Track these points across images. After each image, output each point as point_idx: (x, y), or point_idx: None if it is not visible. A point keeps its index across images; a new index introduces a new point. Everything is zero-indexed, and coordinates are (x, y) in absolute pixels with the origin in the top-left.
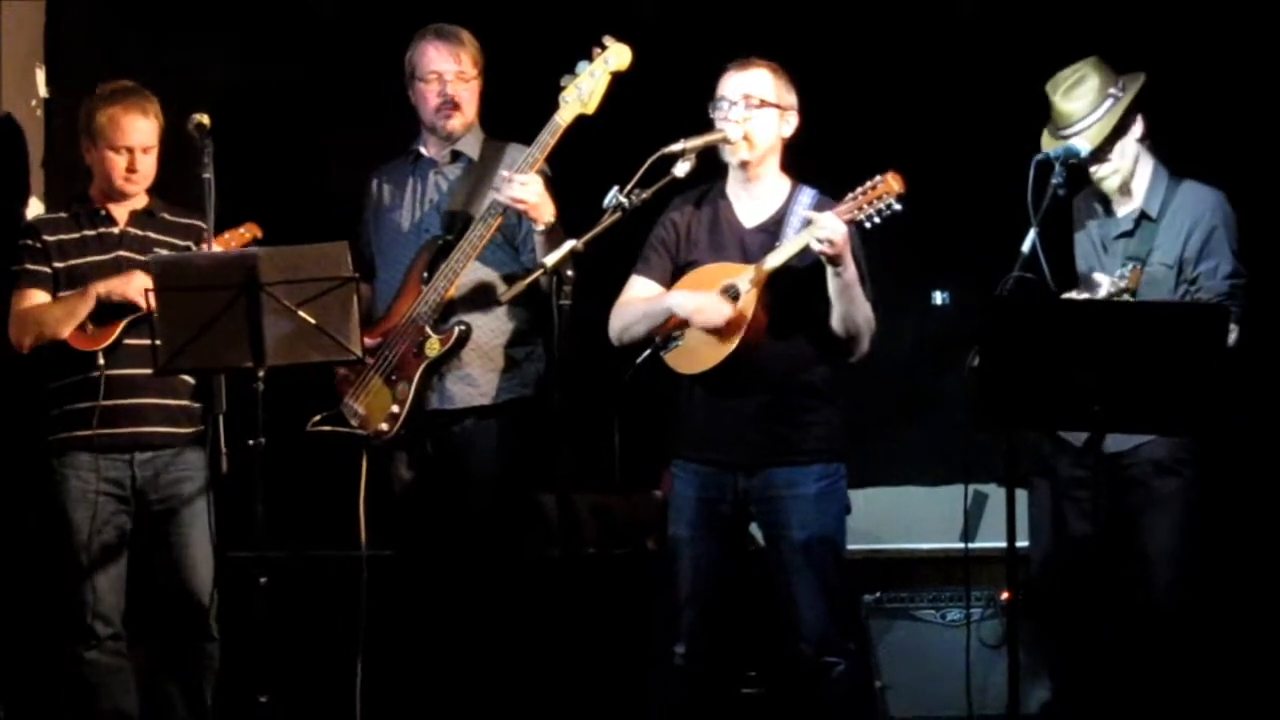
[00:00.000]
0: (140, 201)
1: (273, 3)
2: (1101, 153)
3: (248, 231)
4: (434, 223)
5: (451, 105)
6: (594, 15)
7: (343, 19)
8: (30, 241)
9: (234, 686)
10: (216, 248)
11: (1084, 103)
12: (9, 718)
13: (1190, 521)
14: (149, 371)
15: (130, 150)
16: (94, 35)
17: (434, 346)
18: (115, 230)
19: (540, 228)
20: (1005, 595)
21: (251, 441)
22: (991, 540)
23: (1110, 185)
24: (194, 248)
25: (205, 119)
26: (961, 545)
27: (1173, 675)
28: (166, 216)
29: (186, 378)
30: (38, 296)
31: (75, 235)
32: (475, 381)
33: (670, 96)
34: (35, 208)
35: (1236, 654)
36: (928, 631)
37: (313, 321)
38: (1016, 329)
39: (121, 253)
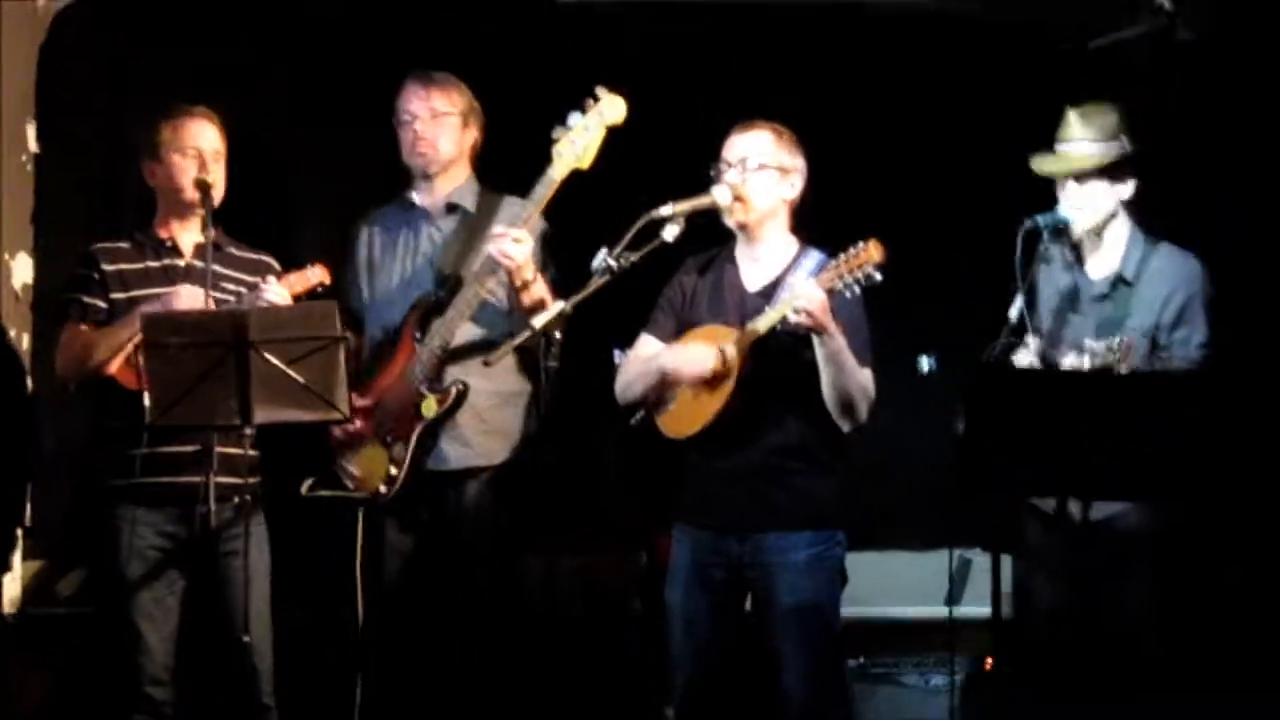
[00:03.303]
0: (210, 235)
1: (265, 65)
2: (1080, 181)
3: (313, 275)
4: (426, 278)
5: (422, 142)
6: (586, 64)
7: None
8: (86, 271)
9: None
10: (280, 286)
11: (1096, 127)
12: None
13: (1167, 582)
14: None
15: (200, 153)
16: (86, 90)
17: (431, 407)
18: (181, 262)
19: (517, 285)
20: (989, 662)
21: (237, 499)
22: (976, 606)
23: (1076, 229)
24: (261, 284)
25: (207, 178)
26: (946, 611)
27: None
28: (233, 251)
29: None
30: (88, 331)
31: (138, 265)
32: (469, 442)
33: (665, 150)
34: (24, 263)
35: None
36: (912, 697)
37: (301, 380)
38: (1002, 396)
39: (188, 286)
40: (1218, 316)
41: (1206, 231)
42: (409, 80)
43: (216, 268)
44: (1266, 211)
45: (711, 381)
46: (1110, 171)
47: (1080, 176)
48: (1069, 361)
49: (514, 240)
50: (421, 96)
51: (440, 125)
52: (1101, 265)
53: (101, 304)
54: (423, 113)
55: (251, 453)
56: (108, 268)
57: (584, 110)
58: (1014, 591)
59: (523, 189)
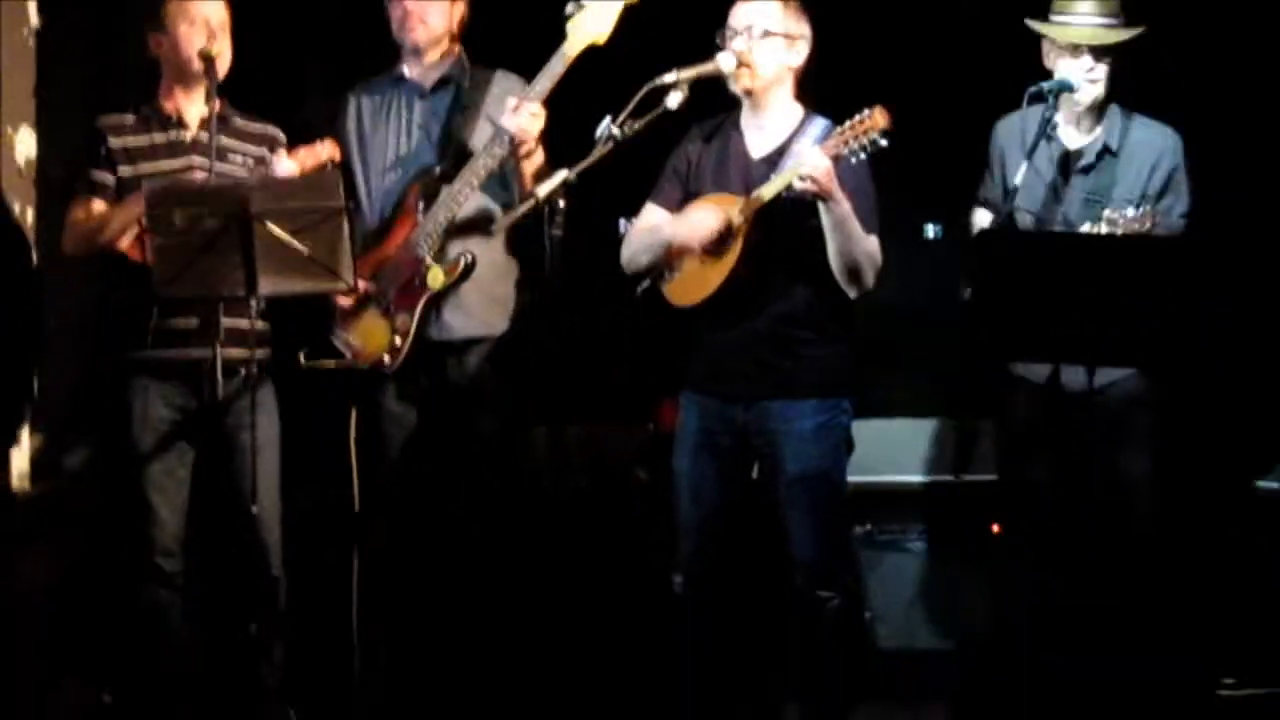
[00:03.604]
0: (215, 106)
1: None
2: (1098, 57)
3: (323, 151)
4: (426, 151)
5: (412, 17)
6: None
7: None
8: (93, 145)
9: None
10: (290, 161)
11: (1109, 5)
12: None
13: (1165, 454)
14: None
15: (207, 23)
16: None
17: (438, 277)
18: (187, 136)
19: (526, 161)
20: (995, 528)
21: (243, 371)
22: (982, 473)
23: (1086, 100)
24: (268, 155)
25: (212, 49)
26: (953, 478)
27: (1151, 598)
28: (239, 122)
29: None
30: (97, 206)
31: (144, 141)
32: (472, 312)
33: (671, 21)
34: (26, 137)
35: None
36: (918, 564)
37: (305, 250)
38: (1008, 262)
39: (195, 158)
40: (1195, 186)
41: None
42: None
43: (222, 139)
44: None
45: (717, 247)
46: (1120, 47)
47: (1099, 52)
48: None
49: (530, 114)
50: None
51: (429, 1)
52: (1084, 137)
53: (110, 178)
54: None
55: (260, 325)
56: (114, 142)
57: None
58: (1000, 463)
59: (521, 64)
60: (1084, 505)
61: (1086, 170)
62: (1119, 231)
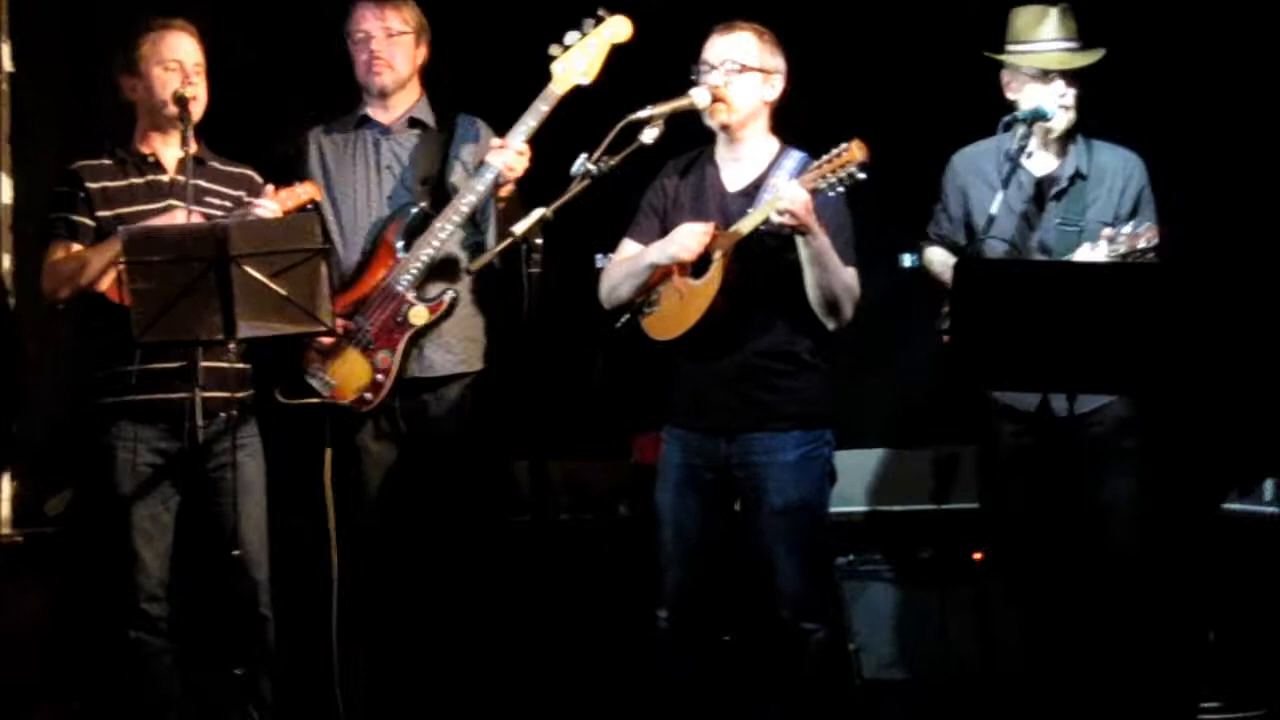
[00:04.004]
0: (191, 149)
1: None
2: (1070, 81)
3: (303, 192)
4: (399, 192)
5: (379, 61)
6: None
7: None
8: (70, 189)
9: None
10: (271, 202)
11: (1071, 29)
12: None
13: (1148, 477)
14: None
15: (180, 65)
16: (61, 9)
17: (421, 315)
18: (165, 178)
19: (504, 195)
20: (977, 555)
21: (224, 414)
22: (963, 501)
23: (1059, 127)
24: (246, 197)
25: (187, 92)
26: (934, 506)
27: (1137, 626)
28: (216, 165)
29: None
30: (75, 248)
31: (122, 182)
32: (453, 349)
33: (648, 58)
34: (2, 183)
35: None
36: (900, 593)
37: (283, 293)
38: (986, 291)
39: (172, 202)
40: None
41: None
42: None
43: (200, 182)
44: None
45: (698, 272)
46: (1084, 73)
47: (1070, 76)
48: (1082, 254)
49: (516, 152)
50: (377, 15)
51: (396, 44)
52: (1053, 163)
53: (89, 221)
54: (378, 32)
55: (241, 366)
56: (91, 185)
57: (582, 29)
58: (982, 491)
59: (495, 107)
60: (1069, 531)
61: (1059, 196)
62: (1121, 249)
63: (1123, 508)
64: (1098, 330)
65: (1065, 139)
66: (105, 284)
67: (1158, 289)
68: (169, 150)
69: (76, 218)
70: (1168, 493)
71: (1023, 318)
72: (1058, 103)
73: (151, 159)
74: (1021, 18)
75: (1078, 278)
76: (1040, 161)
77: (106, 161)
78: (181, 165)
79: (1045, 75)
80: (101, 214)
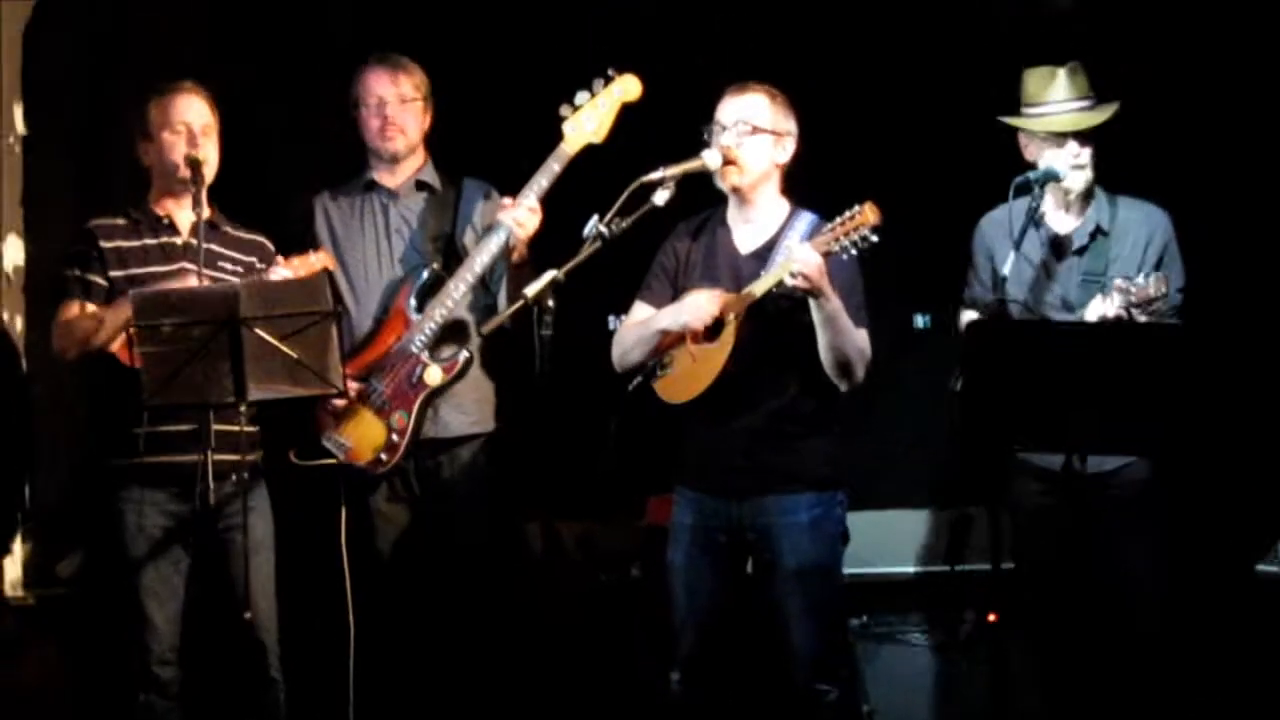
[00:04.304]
0: (204, 212)
1: (243, 39)
2: (1083, 142)
3: (316, 260)
4: (411, 255)
5: (392, 126)
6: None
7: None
8: (84, 248)
9: None
10: (284, 269)
11: (1081, 88)
12: None
13: (1168, 540)
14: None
15: (188, 128)
16: (73, 71)
17: (436, 376)
18: (178, 241)
19: (515, 259)
20: (991, 617)
21: (234, 477)
22: (978, 563)
23: (1078, 187)
24: (258, 264)
25: (197, 154)
26: (947, 568)
27: (1155, 691)
28: (229, 230)
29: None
30: (88, 308)
31: (136, 243)
32: (467, 409)
33: (656, 118)
34: (14, 246)
35: (1215, 667)
36: (915, 654)
37: (294, 355)
38: (998, 352)
39: (185, 264)
40: (1187, 262)
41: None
42: (374, 64)
43: (214, 247)
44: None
45: (711, 336)
46: (1098, 131)
47: (1083, 136)
48: (1095, 307)
49: (529, 211)
50: (390, 81)
51: (408, 110)
52: (1074, 220)
53: (101, 281)
54: (391, 98)
55: (250, 429)
56: (105, 245)
57: (592, 88)
58: (1013, 549)
59: (506, 170)
60: (1090, 593)
61: (1080, 252)
62: (1133, 299)
63: (1142, 570)
64: (1106, 390)
65: (1086, 196)
66: (116, 345)
67: (1164, 349)
68: (183, 213)
69: (90, 276)
70: (1197, 555)
71: (1031, 378)
72: (1071, 164)
73: (166, 221)
74: (1031, 81)
75: (1085, 337)
76: (1061, 219)
77: (121, 221)
78: (195, 228)
79: (1059, 138)
80: (114, 274)
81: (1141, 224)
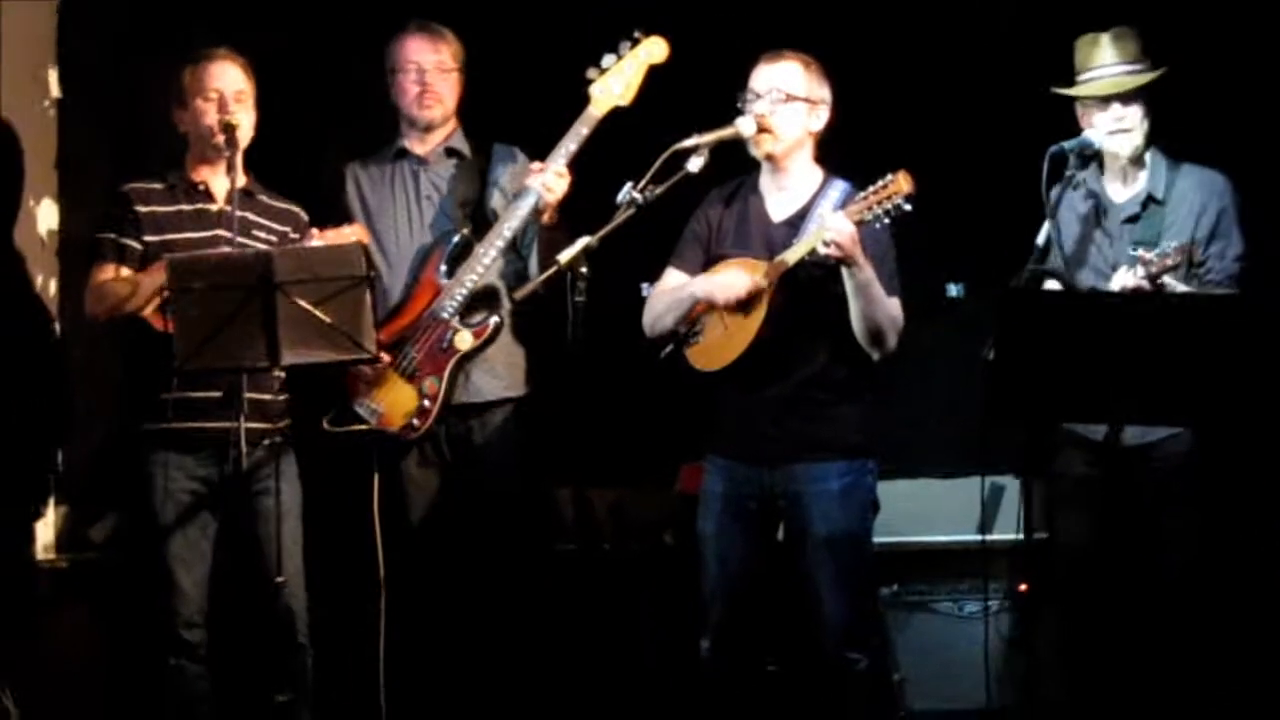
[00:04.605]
0: (239, 179)
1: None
2: (1127, 103)
3: (350, 233)
4: (440, 220)
5: (431, 94)
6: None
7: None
8: (120, 210)
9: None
10: (319, 240)
11: (1129, 52)
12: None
13: (1207, 518)
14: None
15: (220, 95)
16: (108, 35)
17: (466, 340)
18: (213, 208)
19: (547, 220)
20: (1022, 587)
21: (266, 441)
22: (1008, 532)
23: (1123, 152)
24: (292, 234)
25: (230, 119)
26: (979, 537)
27: (1186, 666)
28: (265, 199)
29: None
30: (122, 271)
31: (171, 208)
32: (499, 374)
33: (690, 86)
34: (48, 208)
35: (1248, 646)
36: (945, 624)
37: (328, 320)
38: (1032, 321)
39: (220, 231)
40: (1249, 229)
41: (1223, 154)
42: (413, 31)
43: (249, 215)
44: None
45: (743, 307)
46: (1149, 92)
47: (1126, 99)
48: (1120, 277)
49: (556, 175)
50: (430, 49)
51: (446, 80)
52: (1128, 188)
53: (136, 245)
54: (431, 66)
55: (281, 396)
56: (141, 209)
57: (618, 52)
58: (1046, 519)
59: (534, 134)
60: (1127, 563)
61: (1133, 220)
62: (1153, 270)
63: (1181, 543)
64: (1138, 360)
65: (1137, 162)
66: (148, 310)
67: (1194, 319)
68: (218, 180)
69: (124, 240)
70: (1238, 528)
71: (1064, 348)
72: (1115, 127)
73: (201, 187)
74: (1080, 49)
75: (1117, 309)
76: (1118, 189)
77: (158, 186)
78: (230, 195)
79: (1103, 102)
80: (149, 238)
81: (1197, 191)
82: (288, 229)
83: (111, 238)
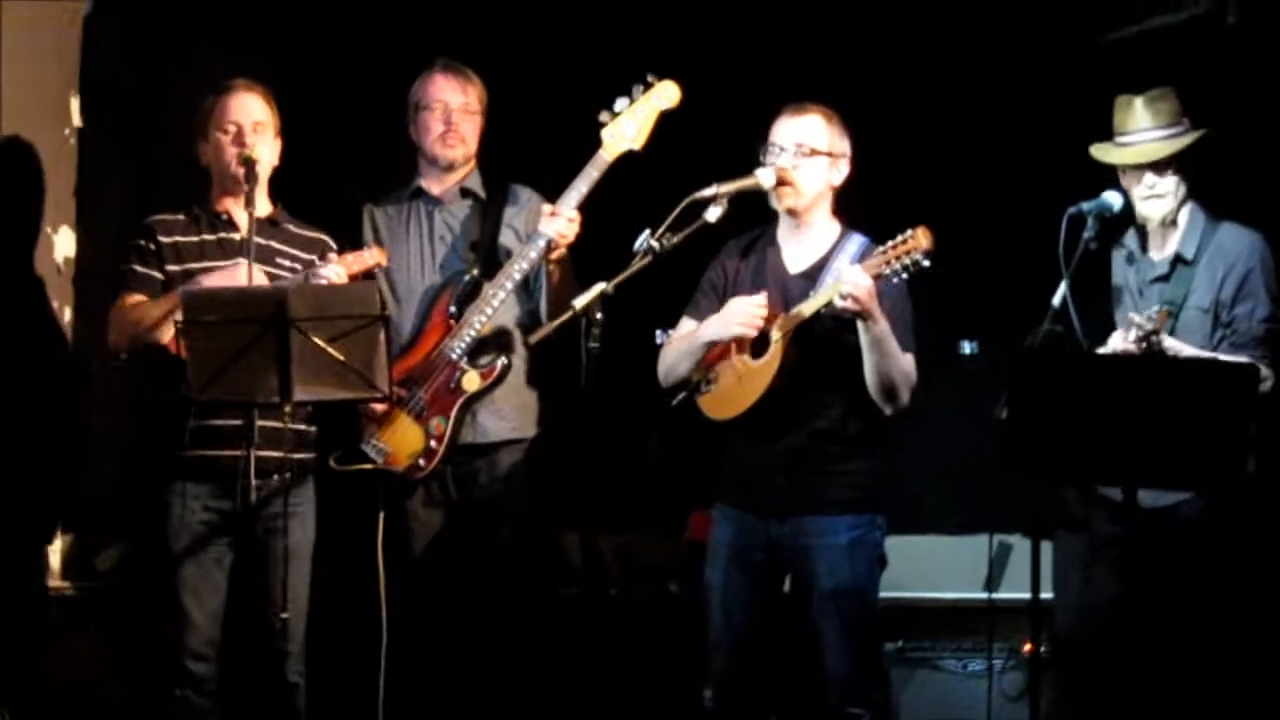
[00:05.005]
0: (263, 209)
1: (301, 33)
2: (1159, 171)
3: (370, 256)
4: (453, 260)
5: (455, 134)
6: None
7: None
8: (143, 242)
9: None
10: (337, 265)
11: (1163, 115)
12: None
13: (1225, 582)
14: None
15: (239, 127)
16: (129, 65)
17: (474, 381)
18: (237, 237)
19: (553, 262)
20: (1027, 647)
21: (276, 477)
22: (1015, 591)
23: (1155, 217)
24: (318, 262)
25: (251, 153)
26: (985, 595)
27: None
28: (291, 228)
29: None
30: (142, 299)
31: (194, 239)
32: (507, 415)
33: (708, 131)
34: (65, 236)
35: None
36: (949, 682)
37: (341, 358)
38: (1045, 381)
39: (243, 260)
40: None
41: (1267, 214)
42: (441, 70)
43: (274, 243)
44: None
45: (756, 351)
46: (1184, 158)
47: (1158, 166)
48: (1113, 340)
49: (568, 219)
50: (458, 90)
51: (472, 121)
52: (1164, 248)
53: (157, 275)
54: (457, 106)
55: (302, 427)
56: (164, 240)
57: (631, 95)
58: (1059, 578)
59: (546, 176)
60: (1140, 625)
61: (1163, 279)
62: (1141, 333)
63: (1191, 605)
64: (1146, 423)
65: (1171, 224)
66: (166, 337)
67: (1200, 383)
68: (241, 210)
69: (145, 270)
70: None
71: (1074, 408)
72: (1145, 195)
73: (225, 217)
74: (1118, 111)
75: (1130, 371)
76: (1153, 248)
77: (181, 217)
78: (256, 226)
79: (1137, 169)
80: (171, 268)
81: (1228, 251)
82: (314, 256)
83: (134, 269)
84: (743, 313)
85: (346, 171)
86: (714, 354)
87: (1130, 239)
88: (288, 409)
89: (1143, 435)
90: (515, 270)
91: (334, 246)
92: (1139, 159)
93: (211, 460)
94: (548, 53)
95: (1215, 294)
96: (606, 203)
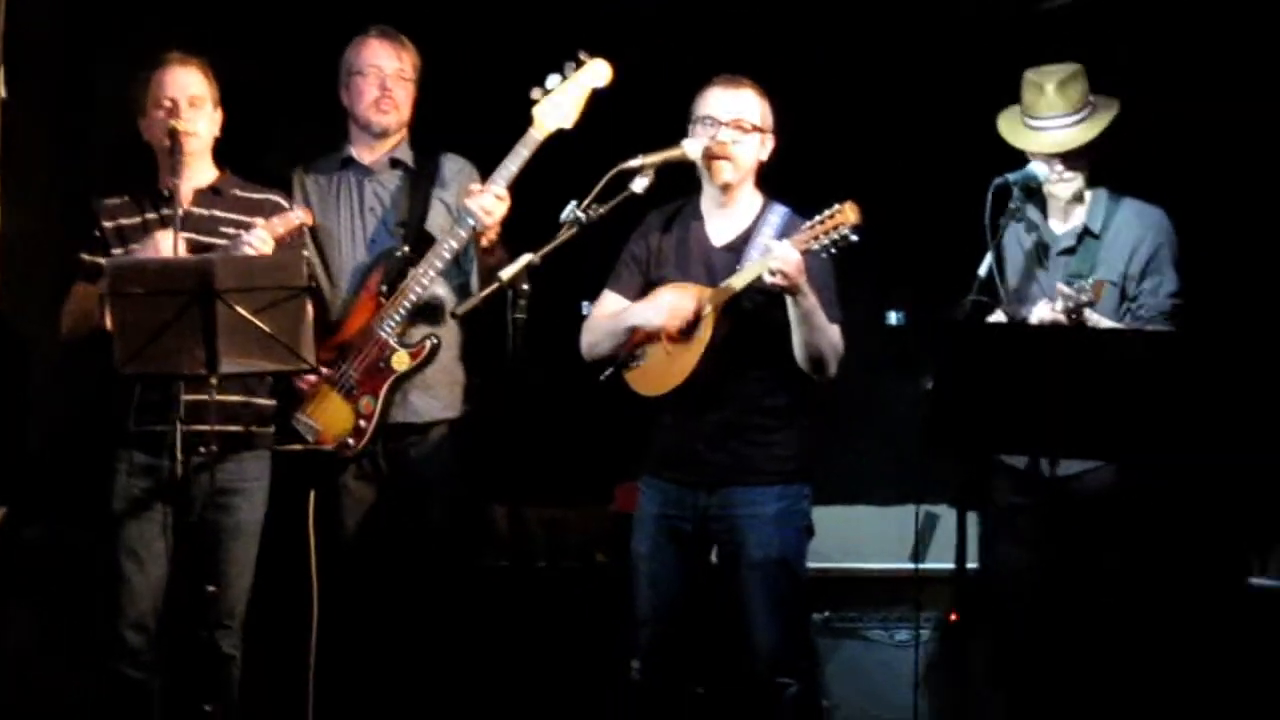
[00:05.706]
0: (206, 178)
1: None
2: (1070, 159)
3: (295, 217)
4: (382, 234)
5: (388, 100)
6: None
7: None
8: (87, 228)
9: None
10: (261, 230)
11: (1072, 101)
12: None
13: (1136, 545)
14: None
15: (174, 102)
16: (55, 36)
17: (403, 360)
18: (180, 211)
19: (484, 244)
20: (953, 616)
21: (203, 449)
22: (941, 561)
23: (1064, 195)
24: (244, 234)
25: (176, 125)
26: (912, 565)
27: (1120, 695)
28: (237, 193)
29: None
30: (85, 289)
31: (137, 219)
32: (437, 394)
33: (632, 106)
34: None
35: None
36: (876, 652)
37: (267, 329)
38: (971, 353)
39: (186, 234)
40: (1186, 268)
41: (1165, 188)
42: (376, 36)
43: (216, 212)
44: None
45: (685, 333)
46: (1093, 141)
47: (1068, 154)
48: (1039, 310)
49: (495, 197)
50: (393, 55)
51: (405, 88)
52: (1068, 222)
53: (102, 262)
54: (391, 71)
55: (263, 403)
56: (107, 225)
57: (563, 73)
58: (980, 548)
59: (477, 149)
60: (1059, 594)
61: (1069, 252)
62: (1069, 304)
63: (1106, 573)
64: (1069, 393)
65: (1077, 199)
66: (110, 321)
67: (1127, 354)
68: (185, 184)
69: (89, 258)
70: (1189, 567)
71: (1000, 379)
72: (1055, 178)
73: (167, 193)
74: (1026, 91)
75: (1054, 341)
76: (1055, 221)
77: (125, 198)
78: (197, 197)
79: (1048, 156)
80: (116, 251)
81: (1134, 227)
82: (262, 219)
83: (80, 257)
84: (673, 309)
85: (280, 141)
86: (640, 335)
87: (1032, 212)
88: (214, 381)
89: (1067, 406)
90: (444, 249)
91: (286, 205)
92: (1053, 148)
93: (158, 434)
94: (483, 23)
95: (1124, 267)
96: (533, 176)
